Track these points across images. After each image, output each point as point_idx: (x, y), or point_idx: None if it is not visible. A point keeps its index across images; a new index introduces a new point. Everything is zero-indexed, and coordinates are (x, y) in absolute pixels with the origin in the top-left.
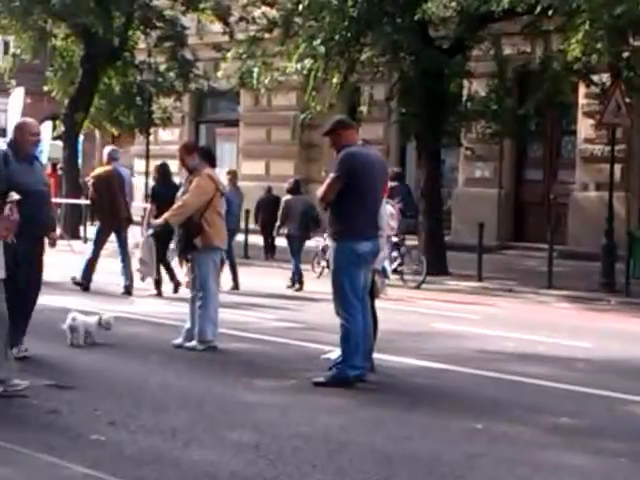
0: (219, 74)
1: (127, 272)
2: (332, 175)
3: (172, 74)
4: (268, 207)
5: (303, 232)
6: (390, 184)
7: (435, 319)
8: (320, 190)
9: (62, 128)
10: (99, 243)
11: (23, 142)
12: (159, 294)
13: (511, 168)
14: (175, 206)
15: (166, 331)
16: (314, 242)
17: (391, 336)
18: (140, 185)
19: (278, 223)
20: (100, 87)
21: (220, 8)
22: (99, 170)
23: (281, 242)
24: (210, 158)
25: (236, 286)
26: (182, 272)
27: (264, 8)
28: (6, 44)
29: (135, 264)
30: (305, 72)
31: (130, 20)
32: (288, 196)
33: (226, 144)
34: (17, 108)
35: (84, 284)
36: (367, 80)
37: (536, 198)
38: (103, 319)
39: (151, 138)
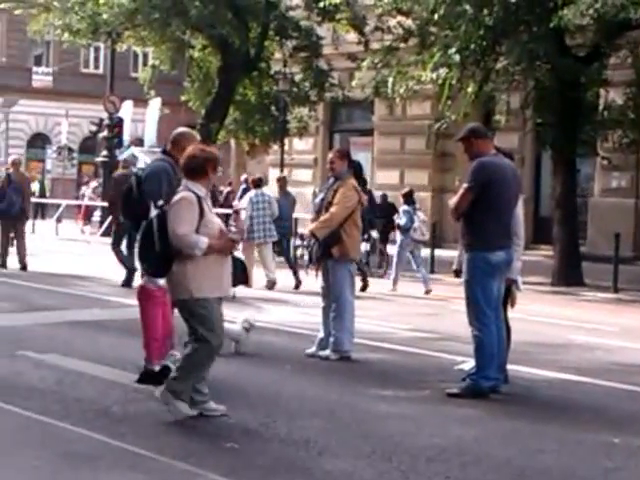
0: (354, 83)
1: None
2: (465, 186)
3: (307, 84)
4: (382, 214)
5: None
6: None
7: (571, 330)
8: (453, 201)
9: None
10: (120, 242)
11: None
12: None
13: None
14: (322, 218)
15: (299, 340)
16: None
17: (526, 347)
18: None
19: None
20: (236, 97)
21: (356, 18)
22: (118, 173)
23: None
24: (357, 174)
25: (298, 285)
26: (317, 279)
27: (400, 17)
28: (145, 56)
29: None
30: (440, 81)
31: (266, 31)
32: None
33: (360, 153)
34: (154, 118)
35: (126, 283)
36: (502, 89)
37: None
38: (246, 323)
39: (285, 148)
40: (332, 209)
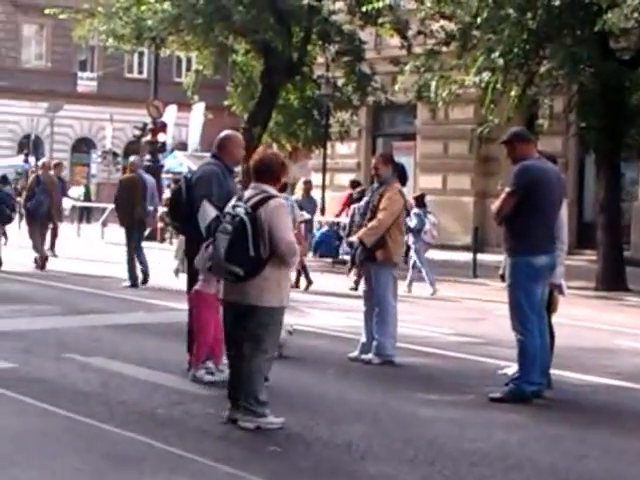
0: (396, 87)
1: (144, 263)
2: (507, 189)
3: (350, 88)
4: None
5: None
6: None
7: (615, 335)
8: (495, 205)
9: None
10: (130, 243)
11: (238, 155)
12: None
13: None
14: (370, 225)
15: (342, 344)
16: None
17: (571, 352)
18: (317, 198)
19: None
20: (279, 101)
21: (399, 22)
22: (125, 176)
23: None
24: (402, 176)
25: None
26: (360, 283)
27: (442, 21)
28: (189, 60)
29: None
30: (483, 85)
31: (309, 35)
32: None
33: (403, 158)
34: (198, 123)
35: (133, 283)
36: (545, 93)
37: None
38: (289, 326)
39: (328, 152)
40: (379, 215)
